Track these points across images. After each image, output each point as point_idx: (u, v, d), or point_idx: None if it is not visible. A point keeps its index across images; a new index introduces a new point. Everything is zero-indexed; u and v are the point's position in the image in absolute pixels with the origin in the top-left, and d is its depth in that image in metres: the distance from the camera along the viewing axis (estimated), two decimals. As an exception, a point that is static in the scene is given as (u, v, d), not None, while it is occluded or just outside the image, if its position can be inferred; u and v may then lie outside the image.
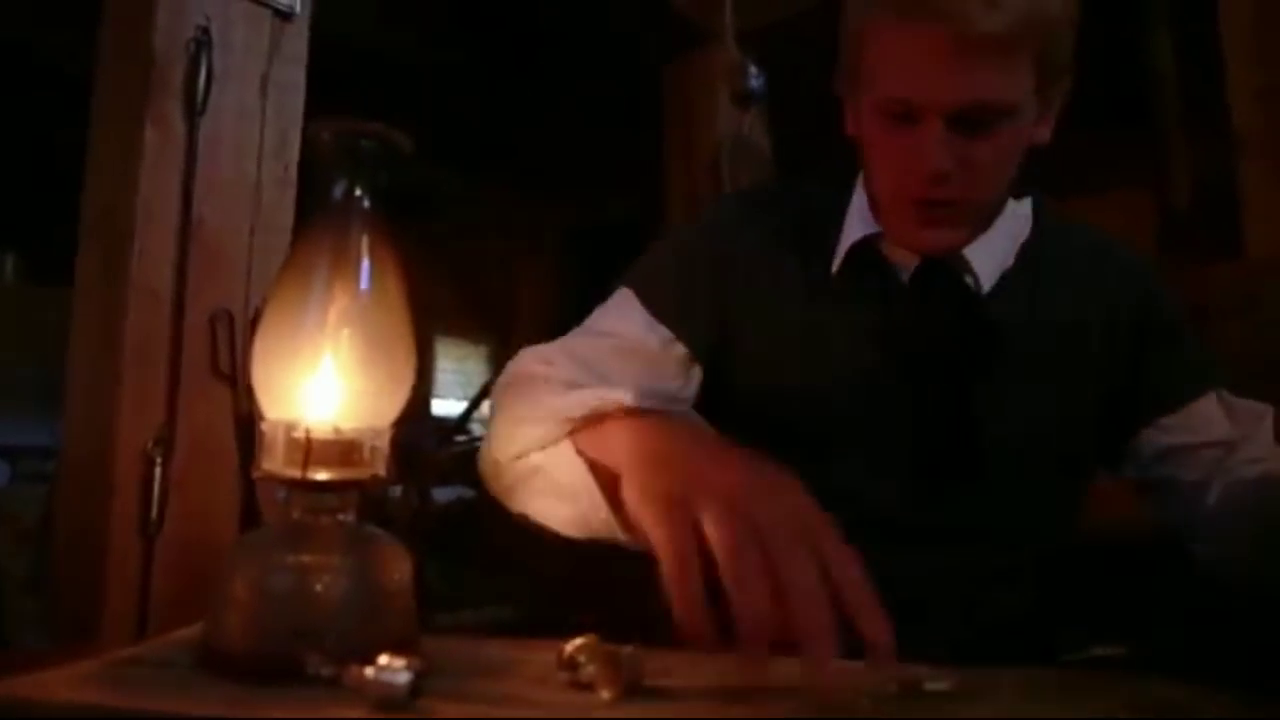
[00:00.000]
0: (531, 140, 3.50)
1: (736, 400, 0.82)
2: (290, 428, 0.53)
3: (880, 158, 0.77)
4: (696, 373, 0.82)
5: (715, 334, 0.82)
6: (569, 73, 2.92)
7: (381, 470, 0.55)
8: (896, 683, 0.50)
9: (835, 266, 0.80)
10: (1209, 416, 0.80)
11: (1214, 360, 0.84)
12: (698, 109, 2.20)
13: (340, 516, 0.54)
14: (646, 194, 2.31)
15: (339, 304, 0.54)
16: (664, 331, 0.80)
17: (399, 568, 0.54)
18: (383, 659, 0.46)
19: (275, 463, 0.53)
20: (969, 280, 0.79)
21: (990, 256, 0.79)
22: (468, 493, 2.21)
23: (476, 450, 0.78)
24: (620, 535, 0.63)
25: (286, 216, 1.21)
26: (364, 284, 0.55)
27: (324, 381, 0.54)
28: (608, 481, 0.62)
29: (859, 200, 0.83)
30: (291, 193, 1.22)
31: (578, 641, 0.52)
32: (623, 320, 0.81)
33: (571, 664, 0.51)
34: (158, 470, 1.04)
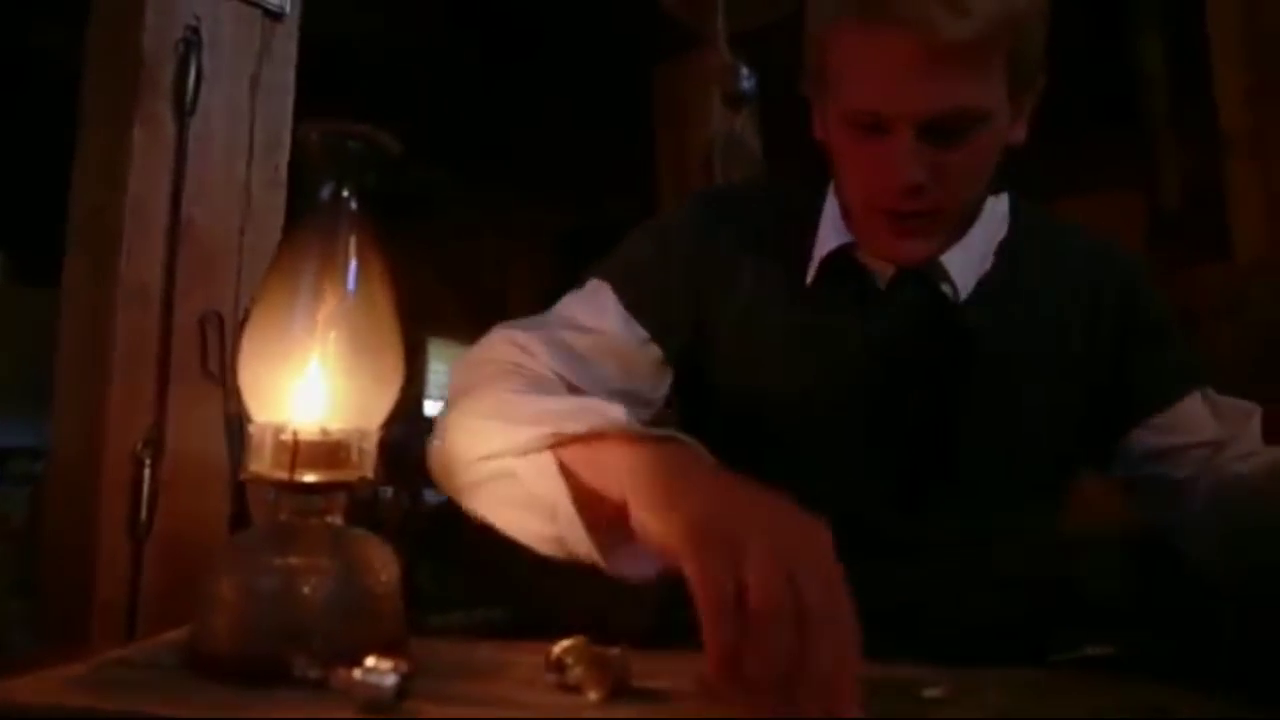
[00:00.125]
0: (526, 141, 3.50)
1: (713, 405, 0.81)
2: (278, 430, 0.53)
3: (851, 168, 0.75)
4: (668, 375, 0.80)
5: (690, 337, 0.80)
6: (564, 74, 2.92)
7: (369, 472, 0.55)
8: (894, 688, 0.50)
9: (810, 276, 0.79)
10: (1197, 416, 0.80)
11: (1199, 359, 0.84)
12: (690, 110, 2.20)
13: (328, 518, 0.54)
14: (641, 195, 2.31)
15: (326, 306, 0.54)
16: (640, 331, 0.78)
17: (386, 569, 0.54)
18: (370, 661, 0.46)
19: (263, 464, 0.53)
20: (946, 288, 0.77)
21: (967, 262, 0.77)
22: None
23: None
24: (596, 560, 0.59)
25: (276, 217, 1.20)
26: (351, 286, 0.55)
27: (311, 383, 0.54)
28: (589, 503, 0.59)
29: (832, 207, 0.81)
30: (282, 193, 1.21)
31: (565, 643, 0.52)
32: (600, 315, 0.78)
33: (559, 666, 0.51)
34: (147, 471, 1.04)
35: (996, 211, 0.81)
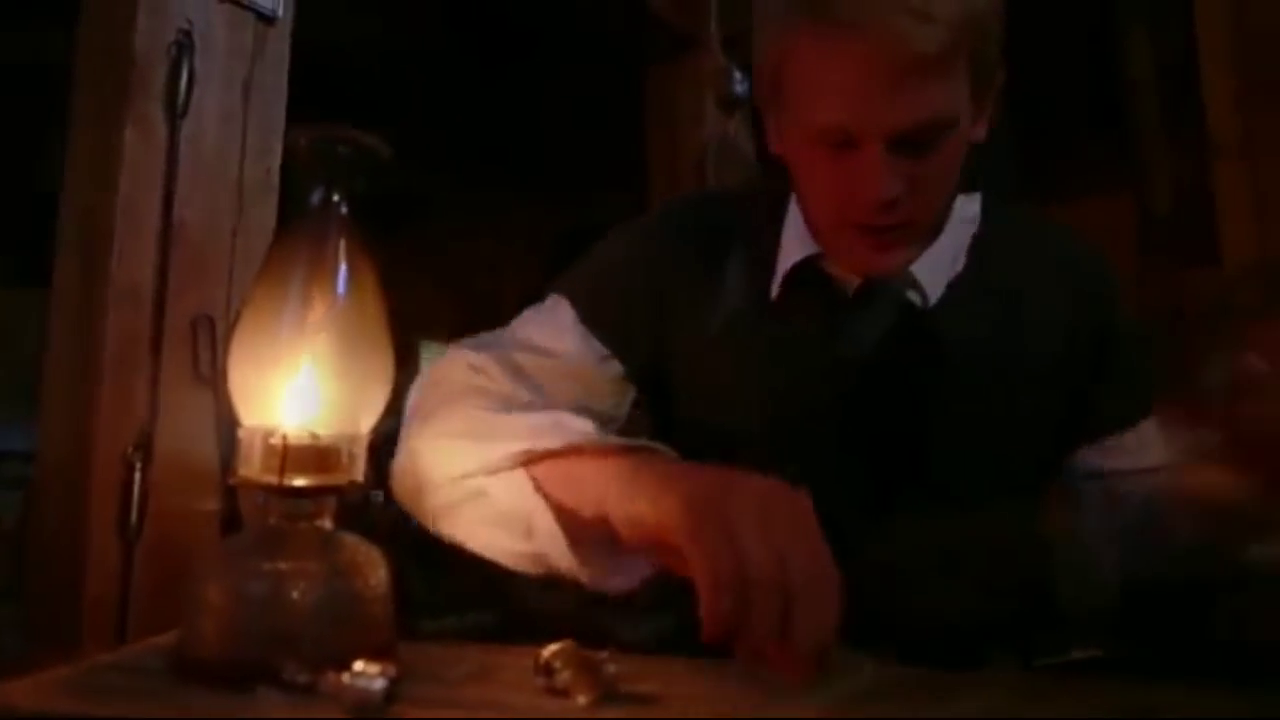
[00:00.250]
0: (521, 143, 3.50)
1: (681, 420, 0.80)
2: (267, 434, 0.53)
3: (820, 186, 0.72)
4: (630, 391, 0.79)
5: (654, 352, 0.79)
6: (559, 75, 2.92)
7: (359, 476, 0.55)
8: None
9: (775, 289, 0.77)
10: (1147, 441, 0.78)
11: (1164, 382, 0.81)
12: (682, 112, 2.20)
13: (318, 522, 0.54)
14: (637, 196, 2.32)
15: (316, 310, 0.54)
16: (599, 347, 0.77)
17: (376, 574, 0.54)
18: (358, 665, 0.47)
19: (252, 469, 0.53)
20: (913, 296, 0.75)
21: (937, 267, 0.76)
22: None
23: None
24: (576, 575, 0.60)
25: (269, 219, 1.20)
26: (341, 290, 0.55)
27: (301, 388, 0.54)
28: (565, 518, 0.60)
29: (795, 218, 0.79)
30: (274, 196, 1.21)
31: (554, 647, 0.52)
32: (557, 334, 0.77)
33: (548, 669, 0.51)
34: (137, 475, 1.04)
35: (968, 212, 0.80)
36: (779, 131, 0.75)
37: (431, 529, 0.68)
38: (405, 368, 0.60)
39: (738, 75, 2.11)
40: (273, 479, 0.52)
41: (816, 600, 0.48)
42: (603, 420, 0.75)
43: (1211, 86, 1.69)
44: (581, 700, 0.49)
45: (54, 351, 1.09)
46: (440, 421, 0.68)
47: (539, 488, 0.61)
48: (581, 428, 0.63)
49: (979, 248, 0.78)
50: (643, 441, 0.61)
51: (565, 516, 0.60)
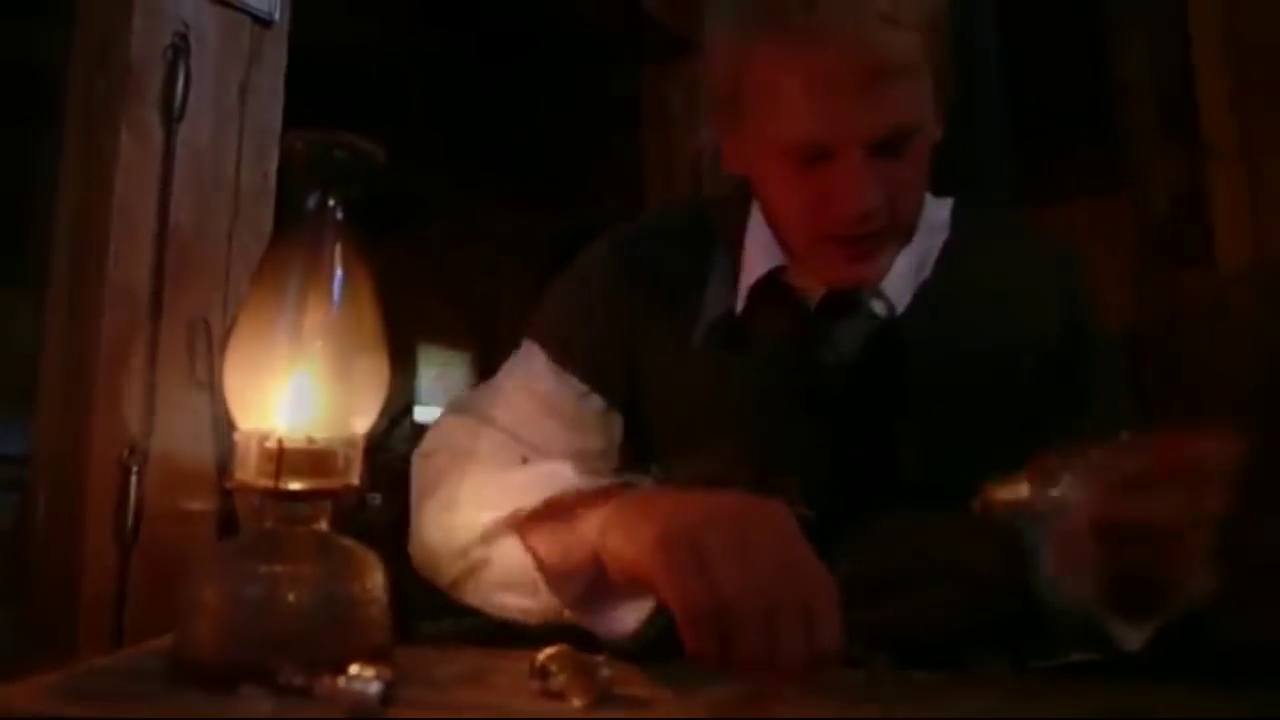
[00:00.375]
0: (518, 146, 3.50)
1: (659, 441, 0.79)
2: (263, 437, 0.53)
3: (791, 203, 0.70)
4: (617, 420, 0.79)
5: (628, 380, 0.78)
6: (556, 79, 2.92)
7: (355, 479, 0.55)
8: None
9: (740, 305, 0.76)
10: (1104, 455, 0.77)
11: (1130, 400, 0.81)
12: (677, 115, 2.21)
13: (314, 526, 0.54)
14: (632, 201, 2.32)
15: (312, 315, 0.54)
16: (576, 384, 0.77)
17: (372, 577, 0.54)
18: (354, 668, 0.47)
19: (248, 472, 0.53)
20: (878, 305, 0.74)
21: (904, 275, 0.74)
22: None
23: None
24: (584, 623, 0.62)
25: (265, 224, 1.20)
26: (336, 294, 0.55)
27: (297, 391, 0.54)
28: (560, 569, 0.61)
29: (758, 232, 0.77)
30: (270, 200, 1.21)
31: (550, 651, 0.52)
32: (535, 379, 0.78)
33: (543, 673, 0.51)
34: (133, 477, 1.04)
35: (938, 218, 0.79)
36: (738, 151, 0.73)
37: (456, 599, 0.70)
38: (401, 371, 0.60)
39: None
40: (268, 482, 0.52)
41: (815, 615, 0.48)
42: (594, 456, 0.75)
43: (1207, 88, 1.69)
44: (577, 703, 0.49)
45: (48, 354, 1.08)
46: (437, 496, 0.70)
47: (530, 546, 0.62)
48: (566, 476, 0.63)
49: (949, 253, 0.77)
50: (621, 479, 0.62)
51: (561, 567, 0.61)
